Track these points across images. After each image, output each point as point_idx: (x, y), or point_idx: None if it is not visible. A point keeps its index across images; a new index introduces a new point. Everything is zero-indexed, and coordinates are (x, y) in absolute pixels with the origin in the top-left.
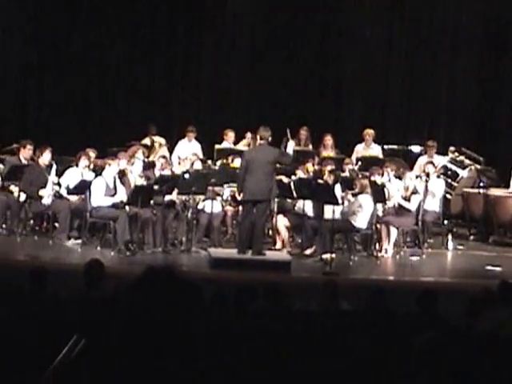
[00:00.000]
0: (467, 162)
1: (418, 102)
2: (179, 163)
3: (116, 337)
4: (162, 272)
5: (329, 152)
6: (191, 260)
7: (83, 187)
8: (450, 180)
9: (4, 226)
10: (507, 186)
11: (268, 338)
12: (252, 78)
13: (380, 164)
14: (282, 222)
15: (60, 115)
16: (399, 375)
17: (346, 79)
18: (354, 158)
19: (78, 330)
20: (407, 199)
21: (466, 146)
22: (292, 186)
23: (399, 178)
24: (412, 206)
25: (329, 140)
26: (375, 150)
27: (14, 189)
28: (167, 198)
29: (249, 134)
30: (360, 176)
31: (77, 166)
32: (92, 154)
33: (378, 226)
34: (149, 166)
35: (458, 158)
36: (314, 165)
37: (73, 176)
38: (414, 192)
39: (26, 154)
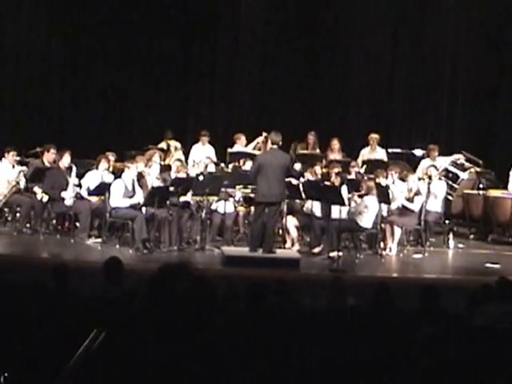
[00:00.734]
0: (467, 164)
1: (420, 109)
2: (194, 166)
3: (134, 331)
4: (178, 269)
5: (336, 155)
6: (205, 258)
7: (103, 189)
8: (451, 182)
9: (28, 225)
10: (505, 188)
11: (278, 331)
12: (262, 86)
13: (384, 167)
14: (291, 221)
15: (82, 121)
16: (403, 366)
17: (353, 87)
18: (359, 161)
19: (98, 325)
20: (410, 200)
21: (466, 150)
22: (301, 188)
23: (403, 180)
24: (415, 206)
25: (336, 144)
26: (380, 154)
27: (38, 190)
28: (182, 199)
29: (264, 133)
30: (365, 178)
31: (97, 168)
32: (111, 157)
33: (383, 225)
34: (165, 168)
35: (458, 162)
36: (321, 167)
37: (93, 178)
38: (417, 193)
39: (49, 157)
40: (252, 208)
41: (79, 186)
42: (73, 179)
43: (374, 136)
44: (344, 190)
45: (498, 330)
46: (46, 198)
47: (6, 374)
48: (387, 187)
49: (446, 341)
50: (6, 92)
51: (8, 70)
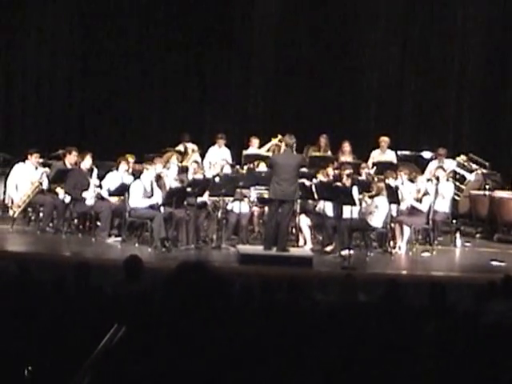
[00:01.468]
0: (474, 166)
1: (428, 112)
2: (210, 168)
3: (153, 326)
4: (195, 267)
5: (347, 157)
6: (221, 256)
7: (123, 189)
8: (458, 183)
9: (51, 224)
10: (510, 189)
11: (291, 327)
12: (276, 91)
13: (394, 168)
14: (304, 221)
15: (102, 125)
16: (411, 360)
17: (363, 92)
18: (370, 162)
19: (118, 320)
20: (419, 201)
21: (473, 152)
22: (313, 189)
23: (412, 181)
24: (423, 206)
25: (347, 146)
26: (390, 156)
27: (60, 191)
28: (199, 199)
29: (279, 136)
30: (376, 179)
31: (117, 170)
32: (131, 159)
33: (393, 224)
34: (182, 170)
35: (465, 163)
36: (333, 169)
37: (113, 179)
38: (425, 194)
39: (71, 159)
40: (266, 208)
41: (100, 186)
42: (94, 180)
43: (384, 139)
44: (355, 190)
45: (503, 325)
46: (68, 199)
47: (29, 368)
48: (397, 188)
49: (452, 336)
50: (30, 97)
51: (31, 75)
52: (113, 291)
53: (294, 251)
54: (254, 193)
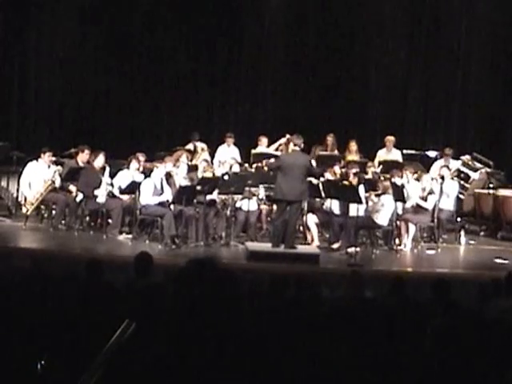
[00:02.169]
0: (478, 165)
1: (433, 113)
2: (219, 166)
3: (163, 322)
4: (204, 263)
5: (353, 156)
6: (230, 253)
7: (134, 187)
8: (462, 182)
9: (63, 222)
10: None
11: (299, 322)
12: (285, 91)
13: (400, 167)
14: (311, 219)
15: (114, 124)
16: (416, 356)
17: (370, 92)
18: (376, 161)
19: (129, 316)
20: (424, 199)
21: (477, 151)
22: (321, 187)
23: (417, 179)
24: (428, 205)
25: (353, 145)
26: (395, 155)
27: (73, 189)
28: (209, 197)
29: (287, 136)
30: (382, 178)
31: (128, 168)
32: (141, 157)
33: (398, 222)
34: (192, 168)
35: (469, 162)
36: (340, 168)
37: (124, 177)
38: (431, 192)
39: (83, 157)
40: (274, 206)
41: (111, 184)
42: (106, 178)
43: (390, 138)
44: (361, 189)
45: (507, 322)
46: (80, 197)
47: (42, 362)
48: (402, 186)
49: (456, 332)
50: (43, 97)
51: (44, 76)
52: (124, 287)
53: (301, 248)
54: (262, 191)
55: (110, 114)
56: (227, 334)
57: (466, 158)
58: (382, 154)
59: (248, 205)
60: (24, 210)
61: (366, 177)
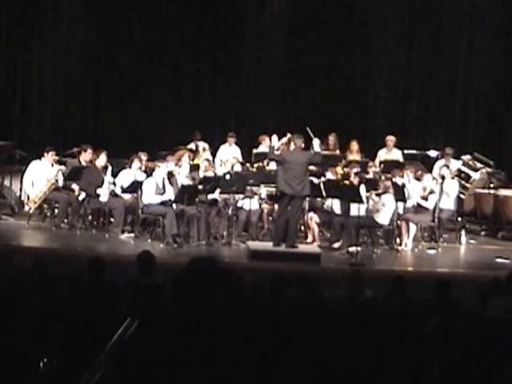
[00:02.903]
0: (479, 165)
1: (434, 112)
2: (221, 165)
3: (165, 320)
4: (206, 262)
5: (354, 156)
6: (231, 252)
7: (136, 187)
8: (463, 181)
9: (66, 220)
10: None
11: (300, 321)
12: (286, 91)
13: (400, 167)
14: (312, 218)
15: (116, 123)
16: (416, 355)
17: (371, 92)
18: (377, 161)
19: (131, 314)
20: (425, 198)
21: (478, 151)
22: (322, 187)
23: (418, 179)
24: (429, 204)
25: (355, 145)
26: (396, 155)
27: (75, 187)
28: (210, 196)
29: (289, 134)
30: (383, 178)
31: (130, 167)
32: (144, 157)
33: (399, 222)
34: (194, 168)
35: (470, 162)
36: (342, 168)
37: (126, 176)
38: (431, 192)
39: (86, 157)
40: (276, 205)
41: (114, 183)
42: (108, 177)
43: (391, 138)
44: (362, 188)
45: (507, 321)
46: (83, 196)
47: (45, 360)
48: (403, 186)
49: (456, 331)
50: (46, 96)
51: (46, 74)
52: (126, 286)
53: (302, 248)
54: (263, 190)
55: (113, 113)
56: (228, 332)
57: (467, 157)
58: (383, 154)
59: (249, 204)
60: (27, 208)
61: (367, 176)
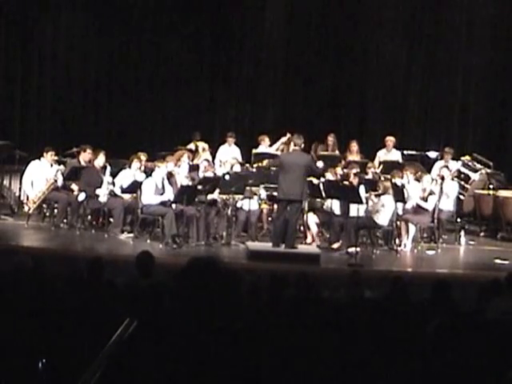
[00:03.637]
0: (478, 166)
1: (434, 113)
2: (220, 166)
3: (164, 321)
4: (205, 262)
5: (354, 157)
6: (231, 252)
7: (135, 187)
8: (462, 182)
9: (65, 221)
10: None
11: (299, 322)
12: (285, 91)
13: (400, 168)
14: (312, 219)
15: (116, 123)
16: (415, 355)
17: (371, 93)
18: (376, 162)
19: (131, 314)
20: (424, 199)
21: (477, 152)
22: (321, 187)
23: (417, 180)
24: (429, 205)
25: (354, 146)
26: (395, 155)
27: (75, 188)
28: (210, 196)
29: (288, 134)
30: (382, 178)
31: (130, 167)
32: (143, 157)
33: (398, 223)
34: (193, 168)
35: (469, 163)
36: (341, 168)
37: (126, 177)
38: (431, 193)
39: (85, 157)
40: (275, 206)
41: (113, 184)
42: (107, 177)
43: (390, 138)
44: (362, 189)
45: (507, 323)
46: (81, 197)
47: (43, 361)
48: (403, 187)
49: (455, 332)
50: (45, 96)
51: (46, 74)
52: (125, 286)
53: (301, 248)
54: (263, 191)
55: (113, 113)
56: (227, 333)
57: (466, 158)
58: (382, 155)
59: (249, 204)
60: (26, 208)
61: (367, 177)
